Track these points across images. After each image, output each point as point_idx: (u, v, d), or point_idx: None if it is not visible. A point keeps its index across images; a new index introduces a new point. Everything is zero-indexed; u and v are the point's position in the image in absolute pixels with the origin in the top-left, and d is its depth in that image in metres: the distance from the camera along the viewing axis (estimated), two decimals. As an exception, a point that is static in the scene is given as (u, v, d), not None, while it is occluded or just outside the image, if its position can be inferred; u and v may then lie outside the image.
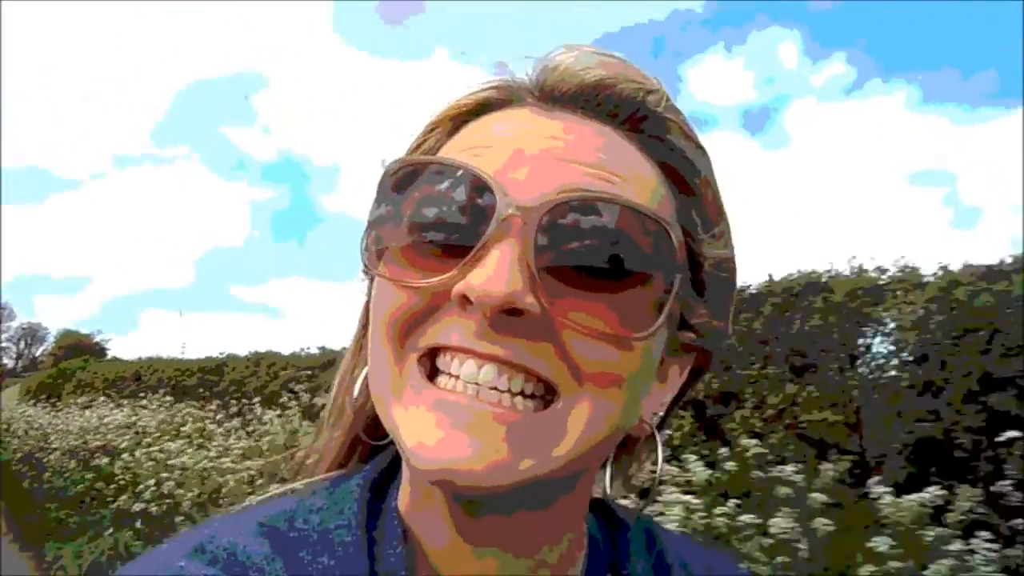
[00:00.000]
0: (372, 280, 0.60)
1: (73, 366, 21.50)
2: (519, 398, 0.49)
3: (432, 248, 0.51)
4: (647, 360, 0.53)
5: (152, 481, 5.40)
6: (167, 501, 5.20)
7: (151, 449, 6.32)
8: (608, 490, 0.61)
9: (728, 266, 0.59)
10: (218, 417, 6.84)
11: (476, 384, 0.49)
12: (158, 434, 6.88)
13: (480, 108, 0.58)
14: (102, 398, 12.91)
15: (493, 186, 0.49)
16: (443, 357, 0.51)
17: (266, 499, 0.63)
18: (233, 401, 8.78)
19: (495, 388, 0.49)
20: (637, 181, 0.53)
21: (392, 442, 0.58)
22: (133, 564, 0.53)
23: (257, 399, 6.92)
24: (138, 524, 5.37)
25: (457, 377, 0.50)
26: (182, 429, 6.63)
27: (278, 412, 6.12)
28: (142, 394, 12.74)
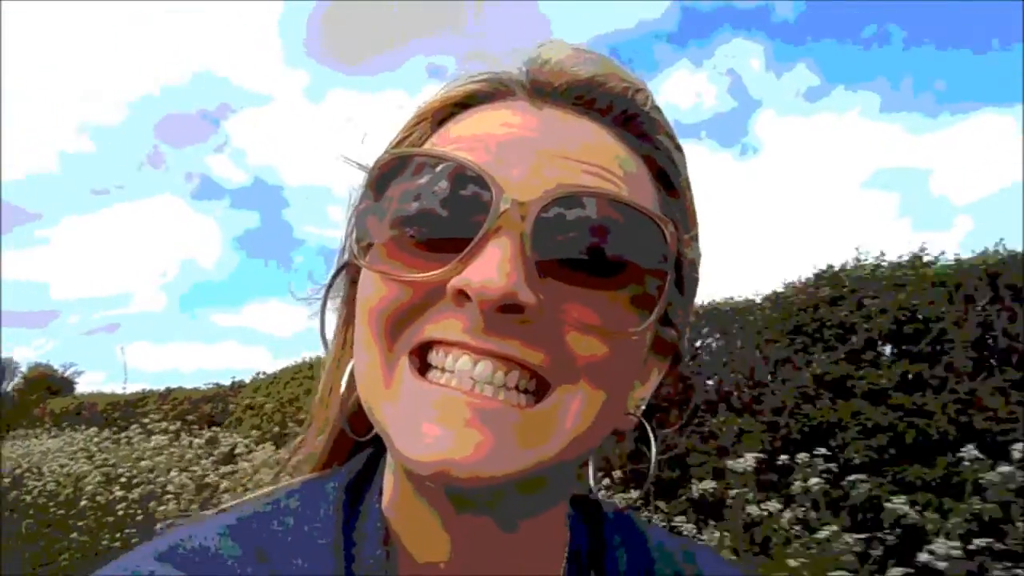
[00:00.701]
0: (351, 276, 0.61)
1: (30, 403, 23.89)
2: (513, 392, 0.50)
3: (424, 242, 0.51)
4: (637, 355, 0.55)
5: (40, 483, 8.05)
6: (44, 495, 7.86)
7: (52, 464, 8.95)
8: (591, 484, 0.63)
9: (698, 269, 0.60)
10: (95, 440, 9.50)
11: (472, 379, 0.49)
12: (59, 453, 9.53)
13: (468, 101, 0.58)
14: (37, 430, 15.41)
15: (489, 180, 0.49)
16: (435, 352, 0.51)
17: (241, 503, 0.62)
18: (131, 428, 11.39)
19: (490, 383, 0.49)
20: (629, 178, 0.53)
21: (371, 441, 0.60)
22: (105, 568, 0.52)
23: (135, 424, 9.54)
24: (31, 512, 7.99)
25: (451, 372, 0.49)
26: (69, 448, 9.31)
27: (139, 432, 8.75)
28: (79, 426, 15.23)
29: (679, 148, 0.59)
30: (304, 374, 10.10)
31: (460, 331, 0.49)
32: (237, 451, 6.43)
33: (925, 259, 4.87)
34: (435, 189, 0.50)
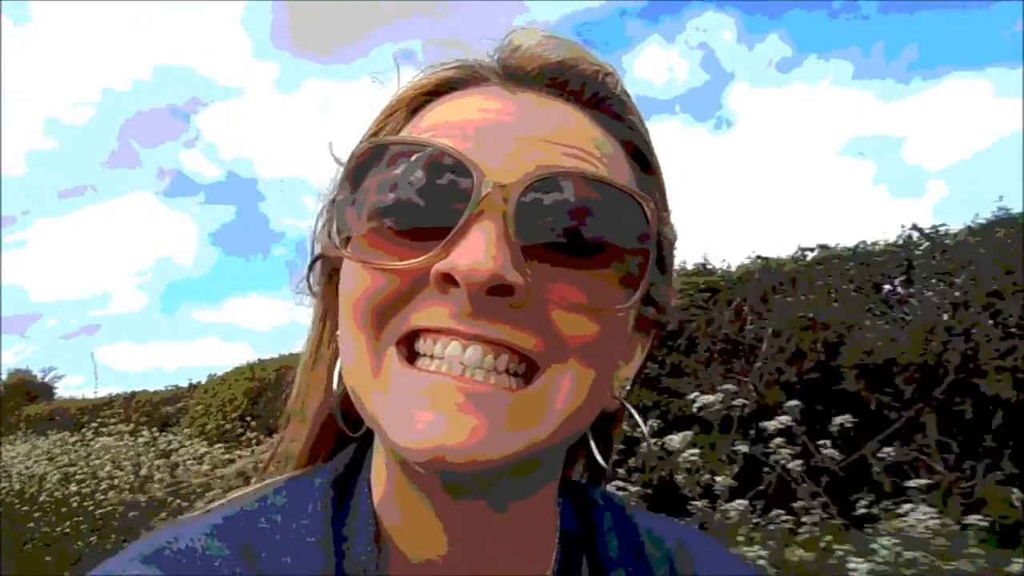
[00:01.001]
0: (326, 271, 0.62)
1: (7, 410, 24.73)
2: (504, 376, 0.50)
3: (406, 231, 0.51)
4: (623, 333, 0.56)
5: (8, 484, 9.11)
6: (12, 495, 8.92)
7: (19, 467, 9.99)
8: (600, 461, 0.63)
9: (675, 246, 0.62)
10: (57, 443, 10.57)
11: (462, 364, 0.49)
12: (25, 457, 10.58)
13: (440, 89, 0.58)
14: (11, 436, 16.37)
15: (469, 165, 0.49)
16: (423, 340, 0.51)
17: (227, 502, 0.62)
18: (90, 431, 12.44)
19: (480, 367, 0.49)
20: (607, 158, 0.54)
21: (355, 438, 0.60)
22: (93, 570, 0.52)
23: (84, 429, 10.60)
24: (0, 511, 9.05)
25: (441, 359, 0.50)
26: (36, 452, 10.39)
27: (92, 435, 9.80)
28: (51, 431, 16.21)
29: (647, 131, 0.61)
30: (245, 375, 11.14)
31: (447, 317, 0.50)
32: (171, 447, 7.52)
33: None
34: (415, 177, 0.51)
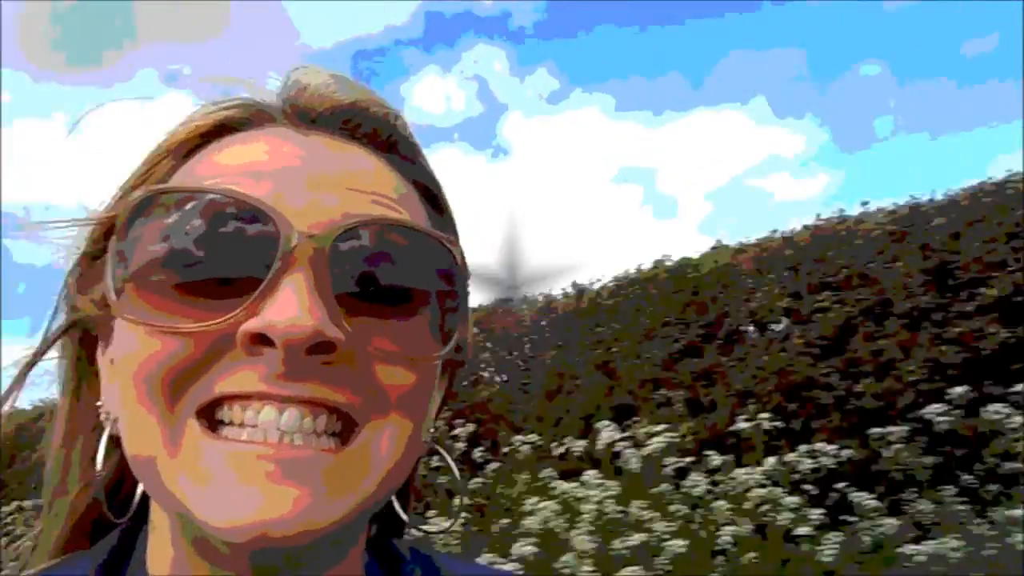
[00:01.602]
0: (79, 336, 0.57)
1: None
2: (323, 438, 0.48)
3: (198, 288, 0.47)
4: (434, 378, 0.54)
5: None
6: None
7: None
8: (401, 515, 0.61)
9: (468, 284, 0.59)
10: None
11: (279, 430, 0.46)
12: None
13: (220, 129, 0.54)
14: None
15: (272, 214, 0.46)
16: (228, 408, 0.47)
17: None
18: None
19: (299, 431, 0.46)
20: (405, 202, 0.53)
21: (121, 523, 0.55)
22: None
23: None
24: None
25: (254, 426, 0.46)
26: None
27: None
28: None
29: (434, 171, 0.61)
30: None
31: (257, 381, 0.46)
32: None
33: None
34: (206, 228, 0.47)
